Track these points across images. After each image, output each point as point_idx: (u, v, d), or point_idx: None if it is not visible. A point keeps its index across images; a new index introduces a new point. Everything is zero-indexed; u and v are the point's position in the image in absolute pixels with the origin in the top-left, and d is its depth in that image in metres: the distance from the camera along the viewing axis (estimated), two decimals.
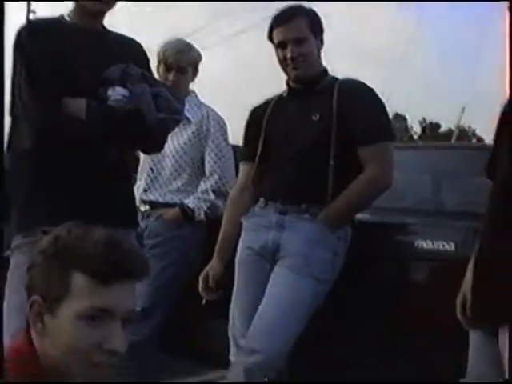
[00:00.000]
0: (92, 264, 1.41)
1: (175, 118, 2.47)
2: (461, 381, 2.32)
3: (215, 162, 3.25)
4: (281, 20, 2.84)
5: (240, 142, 3.15)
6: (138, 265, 1.46)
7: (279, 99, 2.98)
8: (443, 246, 2.78)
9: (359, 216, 2.89)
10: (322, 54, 2.91)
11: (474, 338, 2.37)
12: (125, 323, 1.44)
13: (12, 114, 2.31)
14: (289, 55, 2.80)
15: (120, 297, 1.43)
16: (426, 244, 2.81)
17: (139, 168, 3.44)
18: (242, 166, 3.07)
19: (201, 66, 3.42)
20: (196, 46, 3.44)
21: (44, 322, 1.45)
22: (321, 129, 2.77)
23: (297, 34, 2.80)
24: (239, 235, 2.89)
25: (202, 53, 3.45)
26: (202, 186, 3.26)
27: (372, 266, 2.91)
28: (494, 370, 2.30)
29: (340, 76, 2.92)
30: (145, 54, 2.59)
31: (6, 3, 2.09)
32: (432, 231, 2.88)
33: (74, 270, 1.42)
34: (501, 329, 2.25)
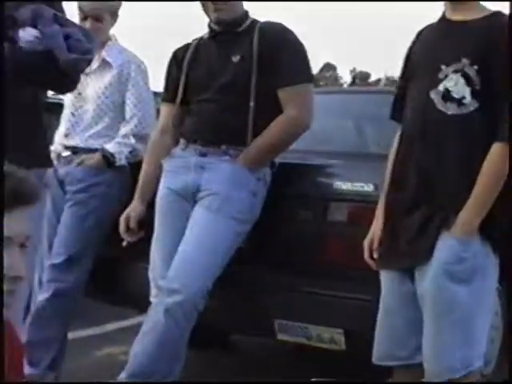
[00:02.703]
0: None
1: (87, 58, 2.48)
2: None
3: (135, 106, 3.22)
4: None
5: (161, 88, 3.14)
6: (33, 190, 1.46)
7: (200, 41, 2.96)
8: (362, 187, 2.83)
9: (280, 158, 2.92)
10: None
11: (385, 277, 2.44)
12: (22, 248, 1.44)
13: None
14: None
15: (18, 224, 1.42)
16: (344, 185, 2.86)
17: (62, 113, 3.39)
18: (162, 108, 3.05)
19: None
20: None
21: None
22: (241, 70, 2.77)
23: None
24: (160, 177, 2.89)
25: None
26: (122, 130, 3.22)
27: (292, 207, 2.95)
28: (406, 307, 2.37)
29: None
30: None
31: None
32: (351, 173, 2.92)
33: None
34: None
